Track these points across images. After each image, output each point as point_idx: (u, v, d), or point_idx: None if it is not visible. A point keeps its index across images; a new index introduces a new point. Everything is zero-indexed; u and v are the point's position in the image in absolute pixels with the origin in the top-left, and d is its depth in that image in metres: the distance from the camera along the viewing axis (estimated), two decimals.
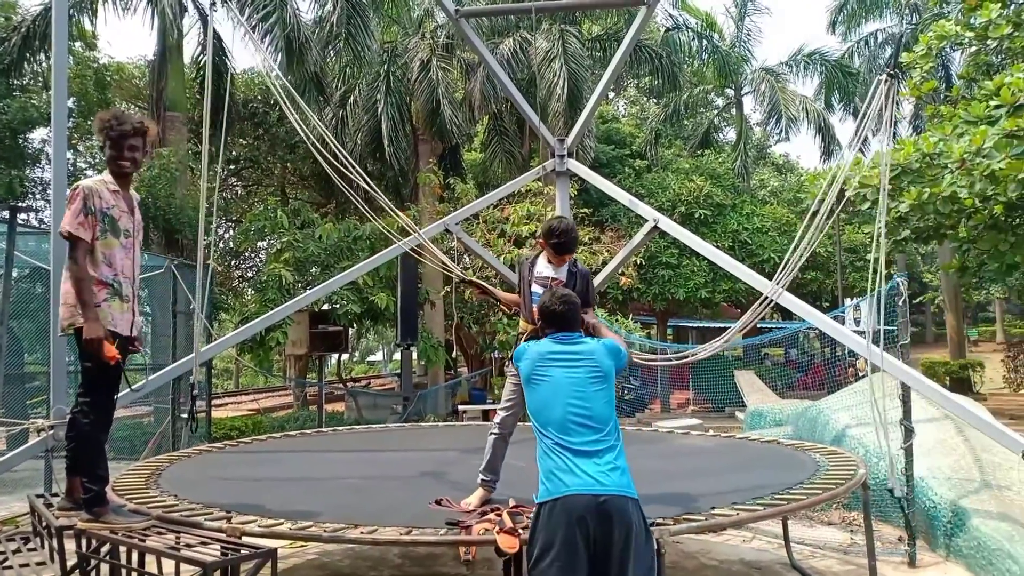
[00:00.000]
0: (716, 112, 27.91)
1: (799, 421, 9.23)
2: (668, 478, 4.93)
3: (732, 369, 17.65)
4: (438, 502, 4.23)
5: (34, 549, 4.43)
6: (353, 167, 6.96)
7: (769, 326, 24.35)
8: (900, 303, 5.75)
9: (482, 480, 4.45)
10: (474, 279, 5.13)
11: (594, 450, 2.97)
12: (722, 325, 30.95)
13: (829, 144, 23.79)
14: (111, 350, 3.77)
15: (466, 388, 19.25)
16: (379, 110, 16.84)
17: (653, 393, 19.13)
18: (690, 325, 31.09)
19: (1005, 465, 6.02)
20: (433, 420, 13.92)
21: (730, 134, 29.41)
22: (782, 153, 35.55)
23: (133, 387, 5.05)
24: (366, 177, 6.90)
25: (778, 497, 4.01)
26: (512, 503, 4.09)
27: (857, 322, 12.97)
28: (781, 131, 24.47)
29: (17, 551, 4.53)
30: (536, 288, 4.46)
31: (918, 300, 32.10)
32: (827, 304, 23.91)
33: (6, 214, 9.27)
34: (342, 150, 7.21)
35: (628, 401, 18.83)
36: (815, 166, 28.20)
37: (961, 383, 20.90)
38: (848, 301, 15.21)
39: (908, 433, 5.63)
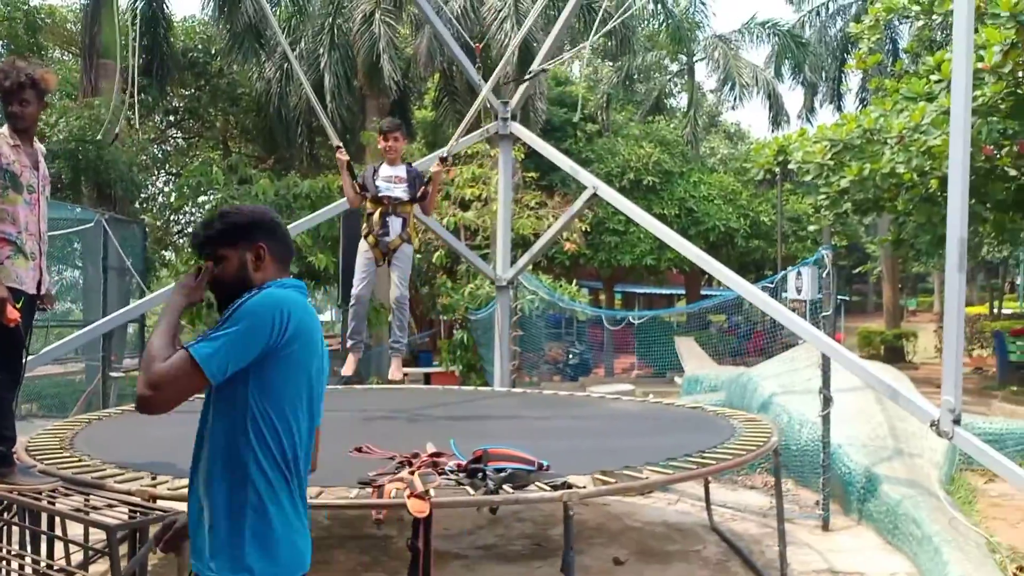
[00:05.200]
0: (669, 78, 27.90)
1: (731, 388, 9.44)
2: (589, 441, 5.00)
3: (674, 335, 17.91)
4: (358, 449, 4.27)
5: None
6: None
7: (714, 293, 24.77)
8: (824, 275, 5.87)
9: (351, 344, 5.73)
10: (345, 158, 5.84)
11: None
12: (668, 291, 31.47)
13: (778, 113, 24.04)
14: (12, 312, 3.66)
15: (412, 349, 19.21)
16: (322, 64, 16.41)
17: (597, 357, 19.34)
18: (636, 291, 31.50)
19: (919, 434, 6.26)
20: (376, 382, 13.86)
21: (683, 100, 29.46)
22: (733, 121, 35.80)
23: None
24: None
25: (691, 460, 4.10)
26: (430, 448, 4.13)
27: (799, 290, 13.23)
28: (734, 99, 24.65)
29: None
30: (382, 183, 5.65)
31: (859, 270, 32.92)
32: (770, 272, 24.39)
33: None
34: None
35: (572, 365, 19.02)
36: (764, 135, 28.54)
37: (895, 352, 21.59)
38: (789, 268, 15.51)
39: (826, 401, 5.79)
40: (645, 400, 7.37)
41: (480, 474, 3.65)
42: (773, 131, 23.92)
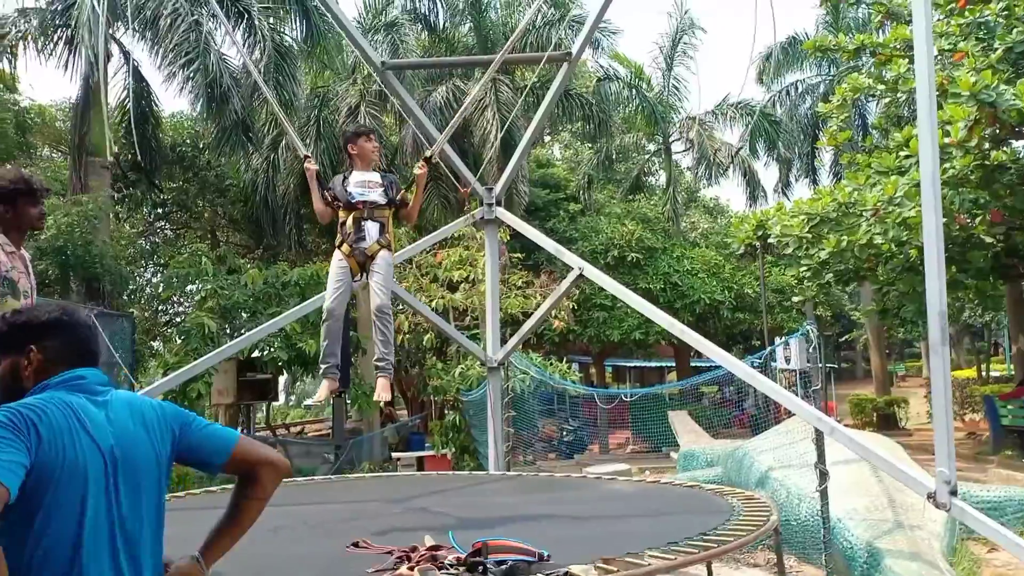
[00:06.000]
0: (647, 157, 28.64)
1: (728, 462, 9.38)
2: (588, 526, 4.94)
3: (668, 409, 17.84)
4: (355, 544, 4.19)
5: None
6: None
7: (706, 365, 24.79)
8: (811, 350, 5.93)
9: (324, 369, 5.16)
10: (314, 167, 5.42)
11: None
12: (658, 364, 31.48)
13: (754, 189, 24.65)
14: None
15: (405, 433, 18.98)
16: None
17: (592, 434, 19.18)
18: (627, 365, 31.47)
19: (918, 505, 6.21)
20: (368, 468, 13.67)
21: (662, 178, 30.18)
22: (712, 196, 36.57)
23: None
24: None
25: (693, 544, 4.05)
26: (428, 541, 4.06)
27: (788, 360, 13.29)
28: (710, 176, 25.28)
29: None
30: (354, 188, 5.17)
31: (845, 338, 33.15)
32: (757, 343, 24.51)
33: None
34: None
35: (567, 443, 18.82)
36: (743, 209, 29.14)
37: (887, 419, 21.57)
38: (777, 340, 15.61)
39: (823, 476, 5.77)
40: (642, 480, 7.30)
41: (480, 568, 3.59)
42: (751, 206, 24.51)
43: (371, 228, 5.15)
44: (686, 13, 24.27)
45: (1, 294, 3.76)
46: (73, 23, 13.18)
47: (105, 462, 1.86)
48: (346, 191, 5.16)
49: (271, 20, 15.53)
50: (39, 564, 1.77)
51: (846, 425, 9.94)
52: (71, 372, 1.99)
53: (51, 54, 14.91)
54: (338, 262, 5.18)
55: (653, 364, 30.95)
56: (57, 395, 1.90)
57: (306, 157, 5.57)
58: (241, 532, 2.13)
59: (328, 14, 11.33)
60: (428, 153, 5.82)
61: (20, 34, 14.65)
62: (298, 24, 16.71)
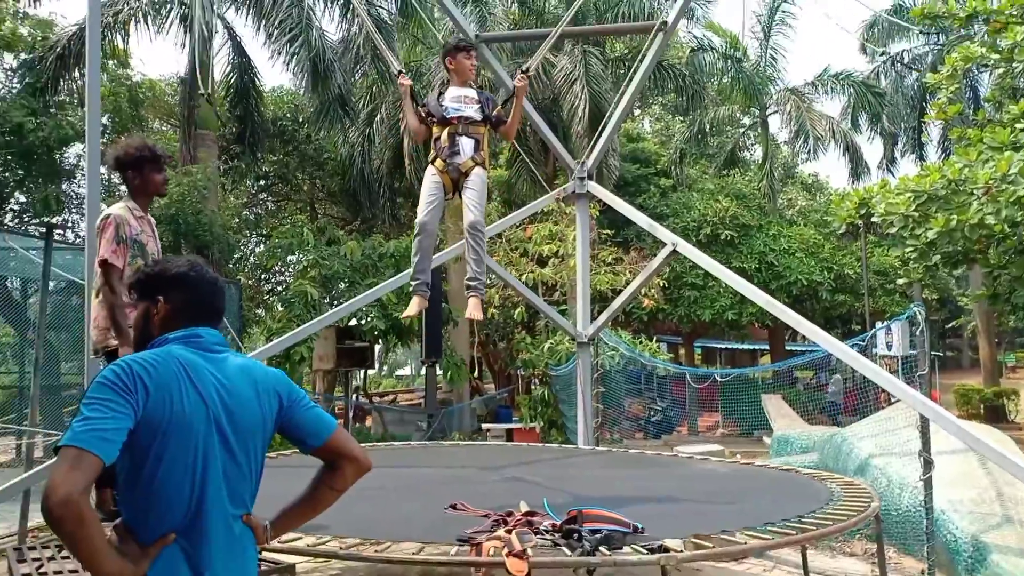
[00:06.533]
0: (742, 131, 27.80)
1: (824, 448, 9.14)
2: (681, 503, 4.93)
3: (761, 392, 17.48)
4: (452, 506, 4.34)
5: (68, 557, 4.57)
6: None
7: (801, 348, 24.10)
8: (918, 332, 5.70)
9: (414, 285, 5.13)
10: (408, 83, 5.28)
11: None
12: (750, 347, 30.75)
13: (857, 165, 23.58)
14: None
15: (492, 406, 19.30)
16: (401, 128, 17.08)
17: (681, 415, 18.99)
18: (718, 346, 30.87)
19: None
20: (458, 438, 13.99)
21: (757, 153, 29.28)
22: (811, 173, 35.18)
23: None
24: None
25: (789, 526, 4.00)
26: (524, 507, 4.16)
27: (889, 346, 12.80)
28: (808, 151, 24.34)
29: (52, 558, 4.70)
30: (450, 104, 5.05)
31: (951, 324, 31.54)
32: (857, 327, 23.62)
33: (44, 231, 9.56)
34: None
35: (654, 422, 18.72)
36: (843, 186, 27.98)
37: (995, 411, 20.49)
38: (879, 324, 15.04)
39: (927, 465, 5.57)
40: (735, 461, 7.22)
41: (576, 535, 3.67)
42: (853, 183, 23.46)
43: (465, 144, 5.04)
44: None
45: (132, 256, 4.04)
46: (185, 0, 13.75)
47: (211, 417, 1.95)
48: (441, 106, 5.07)
49: None
50: (159, 511, 1.90)
51: None
52: (190, 329, 2.08)
53: (160, 30, 15.56)
54: (431, 177, 5.09)
55: (746, 346, 30.27)
56: (172, 349, 2.01)
57: (400, 73, 5.44)
58: (313, 515, 2.21)
59: None
60: (526, 66, 5.57)
61: (132, 11, 15.34)
62: None
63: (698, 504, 4.94)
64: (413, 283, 5.16)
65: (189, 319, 2.11)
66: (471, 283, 5.13)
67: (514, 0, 20.21)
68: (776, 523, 4.04)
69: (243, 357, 2.19)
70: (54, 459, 1.79)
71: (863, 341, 8.32)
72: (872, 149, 59.68)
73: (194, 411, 1.92)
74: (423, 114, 5.16)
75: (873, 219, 12.77)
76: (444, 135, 5.01)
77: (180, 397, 1.91)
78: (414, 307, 5.15)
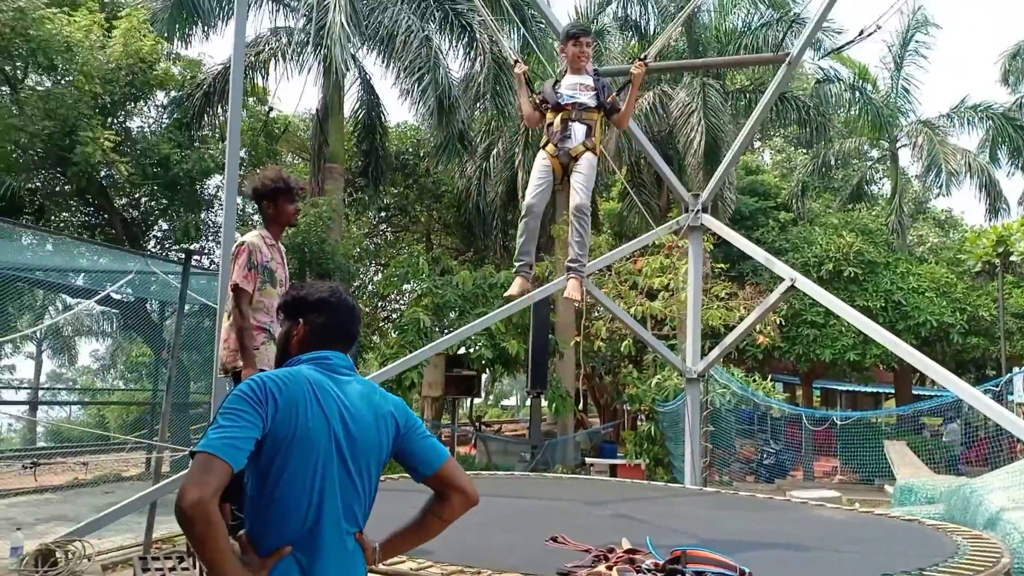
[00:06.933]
0: (870, 165, 26.65)
1: (952, 500, 8.51)
2: (792, 550, 4.73)
3: (883, 438, 16.50)
4: (554, 539, 4.33)
5: (187, 568, 4.87)
6: None
7: (928, 393, 22.62)
8: None
9: (518, 266, 5.19)
10: (523, 69, 5.40)
11: None
12: (874, 390, 29.08)
13: (995, 201, 22.13)
14: None
15: (597, 440, 19.11)
16: (516, 162, 17.40)
17: (795, 459, 18.17)
18: (838, 388, 29.36)
19: None
20: (561, 470, 13.93)
21: (885, 187, 27.97)
22: (944, 208, 33.21)
23: None
24: None
25: None
26: (625, 544, 4.11)
27: None
28: (941, 185, 23.06)
29: (172, 569, 5.00)
30: (565, 91, 5.10)
31: None
32: (992, 372, 21.95)
33: (183, 257, 10.29)
34: None
35: (767, 466, 17.99)
36: (980, 223, 26.25)
37: None
38: (1016, 370, 13.98)
39: None
40: (853, 509, 6.85)
41: (678, 575, 3.59)
42: (990, 219, 22.02)
43: (577, 129, 5.09)
44: (919, 9, 22.31)
45: (262, 281, 4.30)
46: (322, 41, 14.58)
47: (333, 435, 2.04)
48: (556, 92, 5.17)
49: (489, 33, 16.26)
50: (278, 522, 2.00)
51: None
52: (321, 352, 2.21)
53: (300, 70, 16.55)
54: (542, 160, 5.18)
55: (868, 389, 28.63)
56: (303, 369, 2.14)
57: (516, 61, 5.58)
58: (420, 542, 2.27)
59: (543, 21, 11.76)
60: (644, 54, 5.65)
61: (272, 51, 16.42)
62: (515, 35, 17.34)
63: (810, 551, 4.73)
64: (516, 264, 5.25)
65: (324, 342, 2.25)
66: (572, 264, 5.15)
67: (633, 34, 20.33)
68: (895, 574, 3.82)
69: (366, 382, 2.29)
70: (185, 470, 1.94)
71: (996, 386, 7.72)
72: (1013, 185, 55.68)
73: (317, 428, 2.02)
74: (537, 101, 5.26)
75: (1012, 257, 11.94)
76: (557, 120, 5.10)
77: (305, 413, 2.02)
78: (516, 287, 5.25)
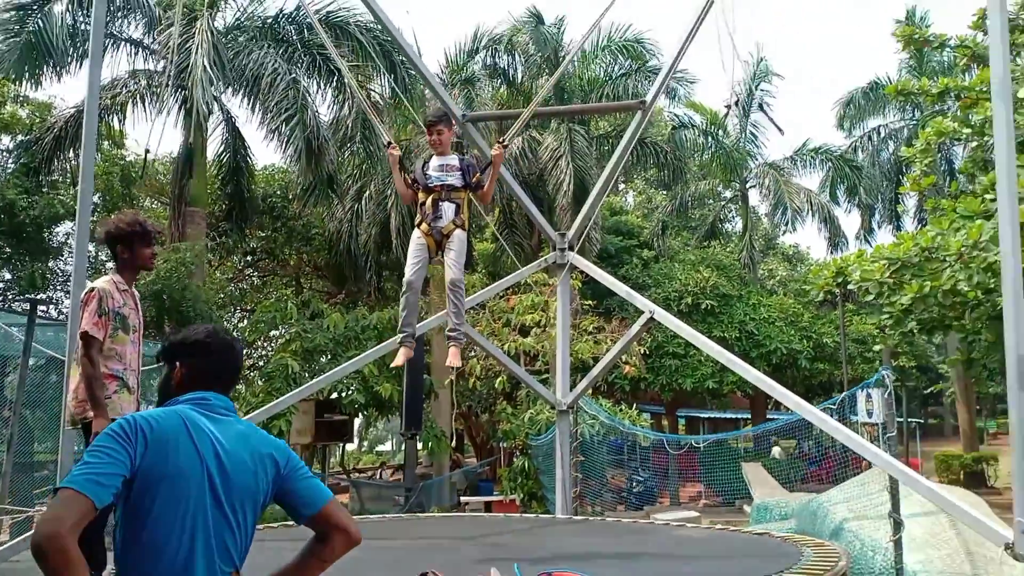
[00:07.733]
0: (723, 204, 28.49)
1: (802, 515, 9.16)
2: (651, 565, 4.98)
3: (741, 461, 17.45)
4: (424, 575, 4.34)
5: None
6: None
7: (782, 416, 24.10)
8: (885, 396, 5.85)
9: (401, 338, 5.63)
10: (397, 153, 5.80)
11: None
12: (733, 416, 30.70)
13: (835, 235, 24.17)
14: None
15: (472, 479, 19.09)
16: (389, 204, 17.45)
17: (662, 485, 18.86)
18: (701, 415, 30.82)
19: (997, 559, 5.98)
20: (436, 511, 13.84)
21: (738, 225, 29.97)
22: (792, 244, 35.89)
23: None
24: None
25: None
26: (494, 573, 4.20)
27: (870, 413, 12.92)
28: (787, 222, 24.97)
29: None
30: (433, 173, 5.56)
31: (931, 391, 31.70)
32: (837, 395, 23.69)
33: (28, 308, 9.62)
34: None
35: (636, 493, 18.56)
36: (823, 256, 28.53)
37: (975, 477, 20.50)
38: (850, 390, 15.20)
39: (896, 526, 5.64)
40: (710, 527, 7.23)
41: None
42: (832, 253, 24.00)
43: (447, 209, 5.51)
44: (761, 61, 24.34)
45: (114, 328, 4.15)
46: (184, 84, 14.15)
47: (207, 473, 2.02)
48: (425, 175, 5.58)
49: (359, 77, 16.31)
50: (150, 563, 1.97)
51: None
52: (200, 392, 2.23)
53: (159, 112, 15.96)
54: (417, 239, 5.59)
55: (728, 415, 30.22)
56: (179, 409, 2.15)
57: (389, 144, 5.95)
58: None
59: (413, 69, 12.00)
60: (503, 138, 6.11)
61: (130, 94, 15.80)
62: (384, 80, 17.49)
63: (670, 567, 4.99)
64: (400, 335, 5.66)
65: (204, 383, 2.26)
66: (451, 334, 5.59)
67: (503, 83, 20.97)
68: None
69: (247, 424, 2.30)
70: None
71: (834, 405, 8.42)
72: (850, 220, 61.03)
73: (190, 465, 2.01)
74: (409, 181, 5.69)
75: (850, 286, 13.04)
76: (428, 201, 5.51)
77: (176, 450, 2.01)
78: (400, 358, 5.65)
